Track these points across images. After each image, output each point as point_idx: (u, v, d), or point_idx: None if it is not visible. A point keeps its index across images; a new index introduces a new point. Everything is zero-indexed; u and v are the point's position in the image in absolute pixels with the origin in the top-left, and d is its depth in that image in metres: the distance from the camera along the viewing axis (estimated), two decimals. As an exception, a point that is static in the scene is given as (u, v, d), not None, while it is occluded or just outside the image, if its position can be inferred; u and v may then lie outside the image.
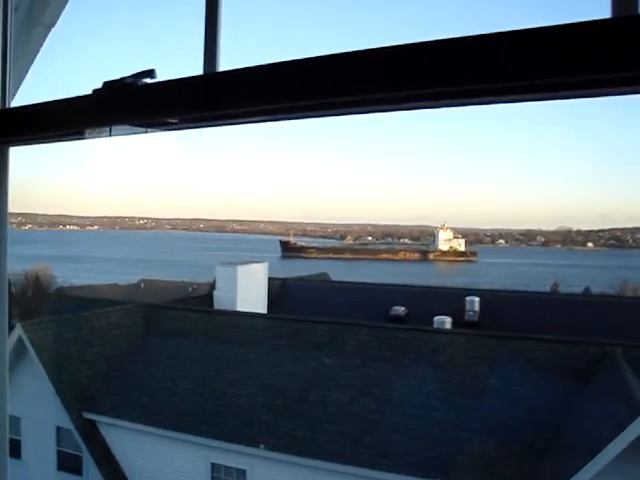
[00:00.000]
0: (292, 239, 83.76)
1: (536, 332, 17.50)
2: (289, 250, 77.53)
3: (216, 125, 1.35)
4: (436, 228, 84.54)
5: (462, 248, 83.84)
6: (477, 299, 25.71)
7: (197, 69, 1.29)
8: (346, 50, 1.06)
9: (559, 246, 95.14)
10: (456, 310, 24.51)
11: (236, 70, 1.21)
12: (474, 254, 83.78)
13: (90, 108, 1.42)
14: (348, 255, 79.45)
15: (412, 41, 1.03)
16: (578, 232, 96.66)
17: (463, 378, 14.07)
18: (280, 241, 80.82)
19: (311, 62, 1.09)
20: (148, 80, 1.32)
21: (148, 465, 15.06)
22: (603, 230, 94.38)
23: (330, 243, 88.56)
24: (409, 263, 75.81)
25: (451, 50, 1.00)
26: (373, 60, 1.03)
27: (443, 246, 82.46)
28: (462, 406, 13.32)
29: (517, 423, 12.58)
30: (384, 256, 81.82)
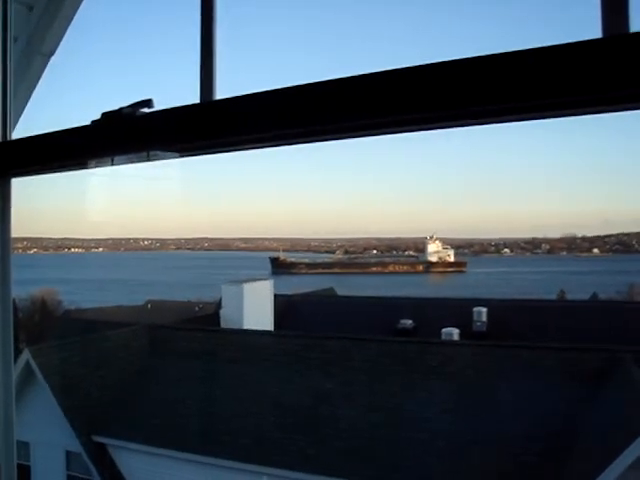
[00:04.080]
0: (282, 255, 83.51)
1: (545, 340, 17.43)
2: (279, 266, 77.32)
3: (216, 152, 1.35)
4: (425, 239, 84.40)
5: (451, 259, 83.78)
6: (484, 309, 25.64)
7: (194, 98, 1.29)
8: (339, 76, 1.07)
9: (565, 253, 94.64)
10: (464, 321, 24.46)
11: (232, 98, 1.21)
12: (463, 264, 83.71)
13: (89, 139, 1.42)
14: (337, 269, 79.27)
15: (407, 65, 1.03)
16: (583, 238, 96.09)
17: (473, 389, 13.98)
18: (270, 258, 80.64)
19: (305, 89, 1.10)
20: (146, 110, 1.32)
21: (159, 487, 14.97)
22: (609, 235, 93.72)
23: (320, 258, 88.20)
24: (399, 275, 75.75)
25: (449, 72, 1.00)
26: (368, 85, 1.03)
27: (432, 257, 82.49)
28: (473, 418, 13.22)
29: (529, 433, 12.47)
30: (374, 269, 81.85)
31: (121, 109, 1.34)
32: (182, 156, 1.39)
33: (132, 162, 1.47)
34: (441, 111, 1.05)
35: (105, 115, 1.37)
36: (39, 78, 1.90)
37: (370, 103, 1.05)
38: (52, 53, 1.98)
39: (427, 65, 1.02)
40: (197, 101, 1.32)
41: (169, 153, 1.37)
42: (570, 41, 0.92)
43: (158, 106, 1.33)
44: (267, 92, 1.17)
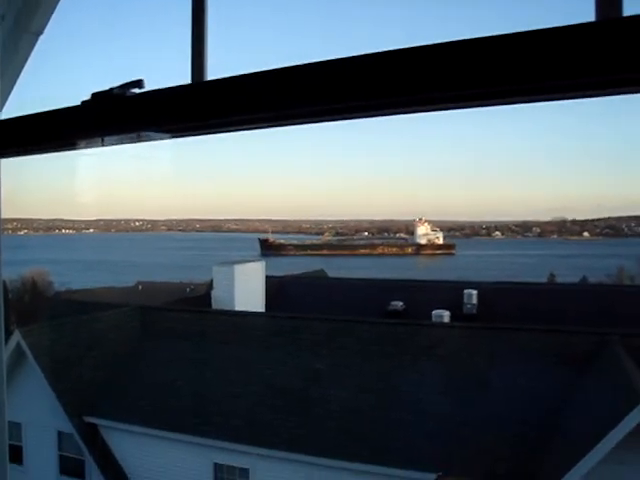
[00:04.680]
0: (271, 237, 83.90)
1: (534, 323, 17.55)
2: (268, 248, 77.70)
3: (208, 133, 1.34)
4: (407, 222, 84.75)
5: (440, 241, 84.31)
6: (475, 292, 25.77)
7: (185, 79, 1.28)
8: (332, 57, 1.07)
9: (555, 236, 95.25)
10: (454, 303, 24.57)
11: (224, 79, 1.21)
12: (452, 247, 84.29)
13: (80, 119, 1.41)
14: (326, 251, 79.60)
15: (398, 47, 1.03)
16: (574, 222, 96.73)
17: (463, 371, 14.09)
18: (259, 239, 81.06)
19: (297, 70, 1.09)
20: (136, 90, 1.31)
21: (151, 467, 15.07)
22: (599, 219, 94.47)
23: (310, 240, 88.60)
24: (387, 258, 76.18)
25: (439, 55, 1.00)
26: (362, 66, 1.03)
27: (421, 240, 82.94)
28: (463, 399, 13.35)
29: (517, 415, 12.61)
30: (362, 251, 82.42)
31: (111, 89, 1.33)
32: (173, 137, 1.38)
33: (123, 143, 1.46)
34: (433, 94, 1.05)
35: (95, 95, 1.36)
36: (27, 57, 1.87)
37: (367, 84, 1.05)
38: (40, 32, 1.95)
39: (410, 49, 1.02)
40: (188, 82, 1.31)
41: (160, 134, 1.36)
42: (563, 24, 0.92)
43: (149, 87, 1.32)
44: (258, 72, 1.16)
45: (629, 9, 0.97)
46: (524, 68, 0.93)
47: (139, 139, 1.41)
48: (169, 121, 1.31)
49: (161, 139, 1.39)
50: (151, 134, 1.36)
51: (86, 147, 1.48)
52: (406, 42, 1.00)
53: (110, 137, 1.43)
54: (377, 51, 1.03)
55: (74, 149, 1.50)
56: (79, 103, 1.41)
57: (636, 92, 0.95)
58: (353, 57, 1.04)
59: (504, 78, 0.94)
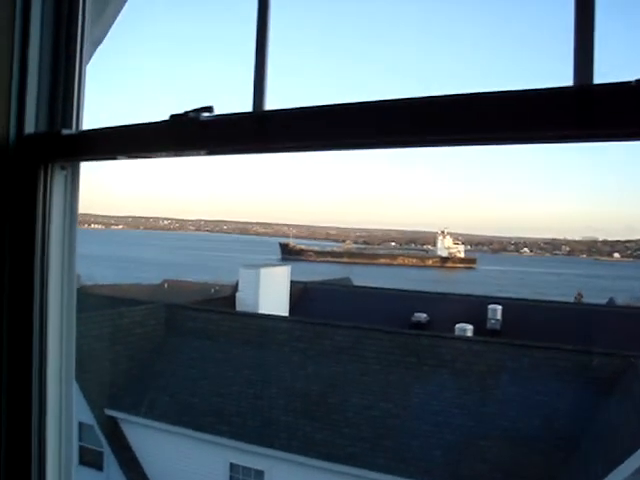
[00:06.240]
0: (291, 242, 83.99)
1: (559, 342, 17.38)
2: (288, 253, 77.69)
3: (261, 152, 1.50)
4: (436, 234, 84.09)
5: (461, 255, 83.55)
6: (499, 307, 25.61)
7: (245, 107, 1.44)
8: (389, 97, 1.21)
9: (584, 256, 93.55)
10: (478, 318, 24.43)
11: (281, 110, 1.37)
12: (473, 261, 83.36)
13: (160, 138, 1.57)
14: (346, 259, 79.38)
15: (441, 93, 1.15)
16: (604, 242, 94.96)
17: (484, 386, 14.04)
18: (280, 244, 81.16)
19: (347, 108, 1.23)
20: (206, 114, 1.46)
21: (167, 463, 15.25)
22: (630, 241, 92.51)
23: (330, 247, 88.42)
24: (407, 268, 75.53)
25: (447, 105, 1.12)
26: (405, 108, 1.16)
27: (442, 252, 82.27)
28: (482, 414, 13.30)
29: (538, 433, 12.53)
30: (382, 261, 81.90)
31: (187, 112, 1.47)
32: (230, 153, 1.54)
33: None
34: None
35: (173, 117, 1.51)
36: (85, 65, 1.97)
37: (410, 125, 1.18)
38: (99, 42, 2.05)
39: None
40: (249, 109, 1.47)
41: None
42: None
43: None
44: (317, 107, 1.30)
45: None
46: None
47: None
48: (234, 145, 1.48)
49: (216, 155, 1.55)
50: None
51: (155, 157, 1.64)
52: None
53: (182, 153, 1.59)
54: (419, 96, 1.15)
55: (144, 158, 1.66)
56: (157, 120, 1.57)
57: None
58: (400, 100, 1.16)
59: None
